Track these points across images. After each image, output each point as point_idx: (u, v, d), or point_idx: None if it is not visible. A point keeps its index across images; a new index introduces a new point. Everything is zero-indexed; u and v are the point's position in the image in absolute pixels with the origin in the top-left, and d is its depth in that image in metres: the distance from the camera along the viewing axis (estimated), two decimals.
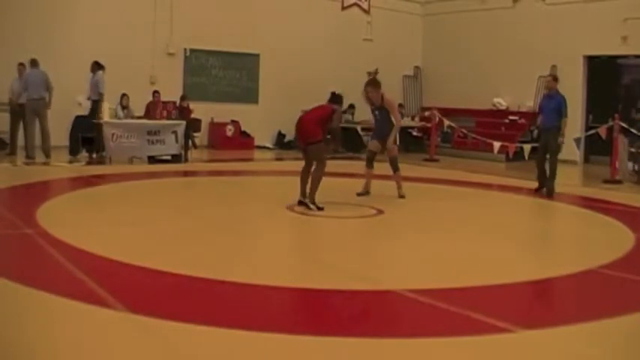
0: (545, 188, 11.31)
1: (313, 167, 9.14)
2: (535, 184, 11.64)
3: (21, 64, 14.21)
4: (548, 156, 11.34)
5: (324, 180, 9.19)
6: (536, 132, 17.16)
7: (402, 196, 10.21)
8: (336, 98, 9.57)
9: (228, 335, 4.32)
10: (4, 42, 14.86)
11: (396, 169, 10.30)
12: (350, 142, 18.12)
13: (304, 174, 9.16)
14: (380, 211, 9.16)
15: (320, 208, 8.85)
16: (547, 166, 11.36)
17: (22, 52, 14.57)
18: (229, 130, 18.30)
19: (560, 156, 13.60)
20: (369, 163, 10.34)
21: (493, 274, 6.14)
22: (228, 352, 4.10)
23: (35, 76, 13.92)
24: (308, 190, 9.01)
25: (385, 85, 20.18)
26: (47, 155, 13.75)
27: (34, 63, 14.05)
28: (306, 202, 8.94)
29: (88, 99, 14.34)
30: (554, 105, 11.22)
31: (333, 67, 19.66)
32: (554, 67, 18.03)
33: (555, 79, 11.63)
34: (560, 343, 4.46)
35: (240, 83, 19.05)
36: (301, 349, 4.20)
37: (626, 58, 17.86)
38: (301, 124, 9.19)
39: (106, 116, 13.64)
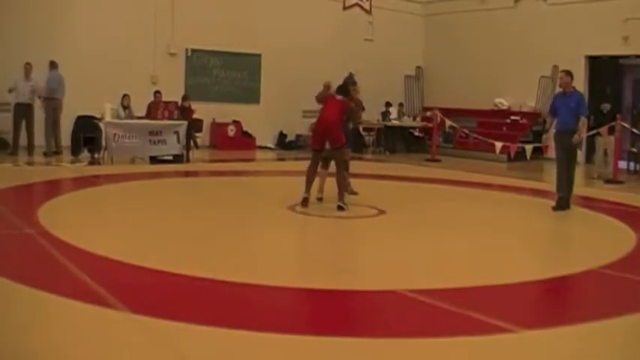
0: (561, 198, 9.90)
1: (319, 168, 9.16)
2: (538, 184, 11.25)
3: (28, 64, 14.29)
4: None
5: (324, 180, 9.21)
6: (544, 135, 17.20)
7: (354, 193, 10.11)
8: (345, 90, 9.46)
9: (228, 335, 4.32)
10: (4, 42, 14.87)
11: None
12: (351, 142, 18.10)
13: (311, 174, 9.12)
14: (381, 211, 9.16)
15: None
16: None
17: (23, 52, 14.63)
18: (231, 131, 18.30)
19: None
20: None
21: (494, 274, 6.14)
22: (229, 352, 4.11)
23: (55, 78, 14.51)
24: (332, 193, 9.04)
25: (387, 85, 20.51)
26: (48, 154, 14.21)
27: (54, 65, 14.59)
28: (340, 204, 8.87)
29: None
30: (573, 104, 9.83)
31: (335, 67, 19.58)
32: (555, 67, 18.06)
33: (569, 74, 10.08)
34: (561, 343, 4.46)
35: (242, 83, 19.04)
36: (302, 348, 4.20)
37: (628, 58, 17.84)
38: (328, 128, 8.99)
39: (107, 116, 13.65)
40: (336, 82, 9.74)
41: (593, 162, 15.64)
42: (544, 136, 10.31)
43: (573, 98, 9.86)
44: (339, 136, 8.97)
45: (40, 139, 14.43)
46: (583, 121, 9.91)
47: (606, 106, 14.68)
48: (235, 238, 7.54)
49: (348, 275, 6.05)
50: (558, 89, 10.17)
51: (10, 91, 14.19)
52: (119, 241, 6.90)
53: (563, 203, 9.85)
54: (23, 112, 14.30)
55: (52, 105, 14.51)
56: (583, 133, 9.95)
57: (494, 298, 5.49)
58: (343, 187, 8.95)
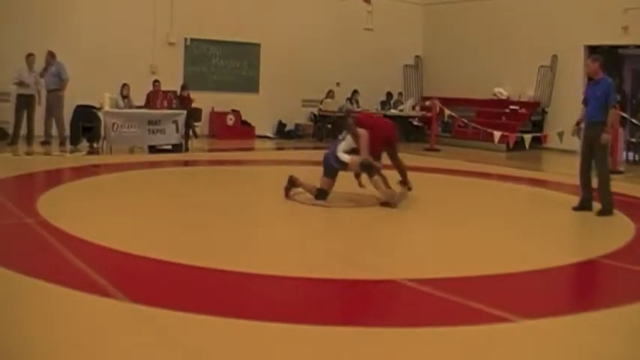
0: (602, 205, 8.90)
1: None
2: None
3: (32, 55, 14.29)
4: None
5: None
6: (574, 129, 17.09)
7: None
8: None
9: (228, 324, 4.33)
10: (4, 32, 14.82)
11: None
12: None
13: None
14: (380, 202, 9.14)
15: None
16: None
17: (22, 42, 14.58)
18: (230, 120, 18.28)
19: (561, 146, 13.51)
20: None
21: (494, 264, 6.15)
22: (229, 342, 4.11)
23: (57, 68, 14.58)
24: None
25: (386, 75, 20.48)
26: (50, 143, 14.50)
27: (54, 56, 14.63)
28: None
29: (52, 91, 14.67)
30: (599, 92, 8.81)
31: (334, 56, 19.63)
32: (554, 56, 18.05)
33: (596, 60, 9.06)
34: (559, 332, 4.47)
35: (241, 73, 19.01)
36: (301, 338, 4.21)
37: (627, 48, 17.81)
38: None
39: (106, 106, 13.63)
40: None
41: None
42: (573, 128, 9.36)
43: (600, 86, 8.87)
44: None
45: (41, 129, 14.55)
46: (612, 113, 8.94)
47: (616, 97, 14.55)
48: (235, 228, 7.54)
49: (348, 264, 6.06)
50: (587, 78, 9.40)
51: (19, 83, 14.19)
52: (118, 230, 6.90)
53: (586, 204, 9.04)
54: (26, 102, 14.30)
55: (58, 95, 14.58)
56: (610, 128, 8.85)
57: (493, 287, 5.50)
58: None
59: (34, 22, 15.14)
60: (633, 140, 15.48)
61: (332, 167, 8.85)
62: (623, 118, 14.24)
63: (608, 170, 9.16)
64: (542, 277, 5.91)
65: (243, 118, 18.55)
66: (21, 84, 14.18)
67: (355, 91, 19.28)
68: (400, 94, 20.95)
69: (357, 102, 19.40)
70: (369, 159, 8.61)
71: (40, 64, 14.46)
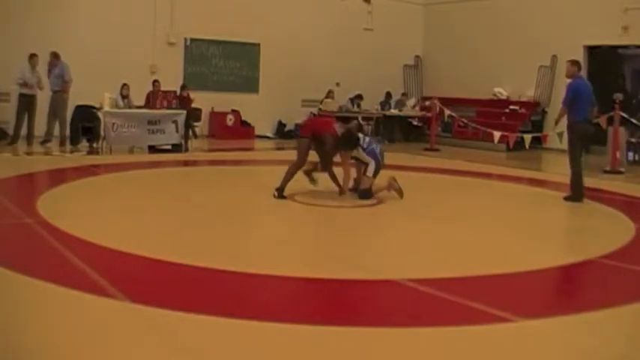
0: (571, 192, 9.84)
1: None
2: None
3: (35, 55, 14.28)
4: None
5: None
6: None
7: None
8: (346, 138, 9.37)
9: (227, 324, 4.33)
10: (4, 32, 14.82)
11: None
12: None
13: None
14: (380, 201, 9.16)
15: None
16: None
17: (22, 42, 14.58)
18: (230, 120, 18.28)
19: (561, 146, 13.46)
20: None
21: (493, 264, 6.15)
22: (229, 341, 4.11)
23: (61, 69, 14.58)
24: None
25: (386, 75, 20.45)
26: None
27: (58, 57, 14.62)
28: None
29: (56, 92, 14.63)
30: None
31: (334, 56, 19.62)
32: (554, 57, 18.04)
33: (574, 63, 9.80)
34: (559, 332, 4.47)
35: (241, 73, 19.00)
36: (300, 338, 4.21)
37: (627, 48, 17.80)
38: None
39: (106, 106, 13.63)
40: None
41: (591, 152, 15.57)
42: None
43: None
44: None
45: (39, 129, 14.51)
46: (560, 110, 9.87)
47: (619, 96, 14.53)
48: (235, 228, 7.54)
49: (347, 265, 6.06)
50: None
51: (24, 84, 14.17)
52: (118, 230, 6.91)
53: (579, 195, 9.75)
54: (28, 103, 14.28)
55: (62, 96, 14.56)
56: (559, 121, 10.05)
57: (493, 287, 5.50)
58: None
59: (33, 23, 15.11)
60: (633, 140, 15.45)
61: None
62: (624, 117, 14.20)
63: (575, 162, 9.77)
64: (542, 277, 5.92)
65: (243, 118, 18.55)
66: (24, 84, 14.18)
67: (359, 96, 19.23)
68: (404, 94, 20.93)
69: (359, 105, 19.37)
70: None
71: (42, 64, 14.46)
